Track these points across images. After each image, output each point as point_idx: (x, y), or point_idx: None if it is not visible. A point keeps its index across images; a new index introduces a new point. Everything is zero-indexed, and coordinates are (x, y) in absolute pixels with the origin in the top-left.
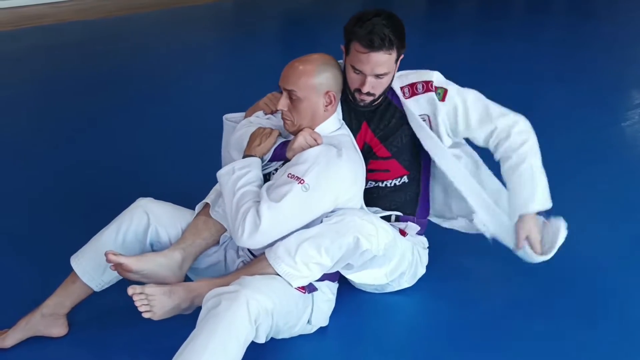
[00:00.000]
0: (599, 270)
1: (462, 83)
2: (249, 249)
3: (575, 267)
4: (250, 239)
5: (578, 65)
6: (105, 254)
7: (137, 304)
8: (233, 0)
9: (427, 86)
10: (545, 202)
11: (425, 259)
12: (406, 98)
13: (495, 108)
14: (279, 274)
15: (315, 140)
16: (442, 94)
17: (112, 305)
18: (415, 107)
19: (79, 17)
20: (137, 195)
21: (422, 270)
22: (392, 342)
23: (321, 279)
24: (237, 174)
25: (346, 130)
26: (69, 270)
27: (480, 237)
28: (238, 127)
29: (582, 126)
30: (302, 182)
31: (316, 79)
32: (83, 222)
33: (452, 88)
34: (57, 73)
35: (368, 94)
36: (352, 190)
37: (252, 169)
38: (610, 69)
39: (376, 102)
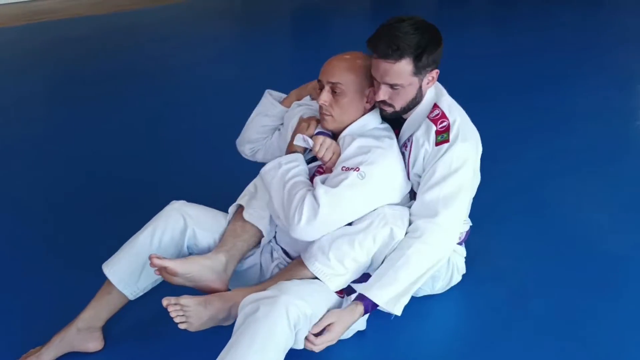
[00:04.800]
0: None
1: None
2: (284, 252)
3: (617, 268)
4: (309, 226)
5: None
6: (150, 258)
7: (172, 314)
8: None
9: (440, 118)
10: (390, 304)
11: (462, 268)
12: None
13: (446, 209)
14: (313, 272)
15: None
16: (442, 141)
17: (147, 315)
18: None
19: (91, 12)
20: (157, 190)
21: (457, 278)
22: (428, 346)
23: (358, 280)
24: (285, 167)
25: (388, 127)
26: (97, 278)
27: (517, 242)
28: (290, 108)
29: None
30: (357, 169)
31: (359, 74)
32: (101, 220)
33: (457, 150)
34: (70, 67)
35: (385, 103)
36: (403, 184)
37: (299, 163)
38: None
39: (400, 114)
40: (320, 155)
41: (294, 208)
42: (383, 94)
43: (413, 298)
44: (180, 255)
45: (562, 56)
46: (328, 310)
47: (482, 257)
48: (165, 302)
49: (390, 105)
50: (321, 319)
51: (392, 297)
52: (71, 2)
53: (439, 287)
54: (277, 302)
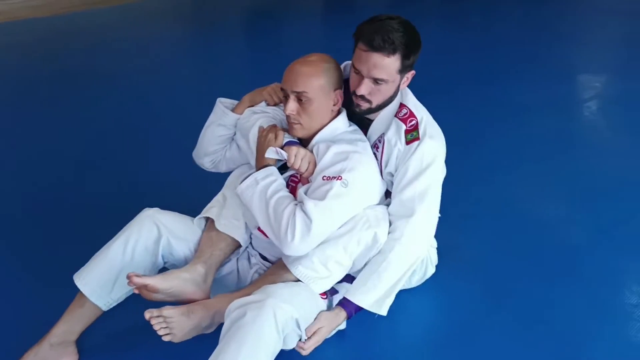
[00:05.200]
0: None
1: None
2: (262, 257)
3: (576, 257)
4: (303, 242)
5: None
6: (128, 277)
7: (155, 327)
8: None
9: (409, 117)
10: (375, 307)
11: (434, 259)
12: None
13: (422, 206)
14: (297, 276)
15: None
16: (412, 139)
17: (121, 326)
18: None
19: (32, 15)
20: (124, 197)
21: (431, 270)
22: (406, 339)
23: (340, 281)
24: (263, 184)
25: (357, 128)
26: (67, 289)
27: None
28: (244, 116)
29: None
30: (339, 178)
31: (324, 78)
32: (54, 224)
33: (427, 146)
34: (13, 73)
35: (363, 98)
36: (381, 185)
37: (275, 177)
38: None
39: (374, 111)
40: (296, 166)
41: (285, 226)
42: (365, 88)
43: None
44: (155, 265)
45: (508, 51)
46: (312, 312)
47: (450, 247)
48: (147, 315)
49: (368, 101)
50: (311, 324)
51: (377, 299)
52: (12, 5)
53: (415, 281)
54: (264, 306)
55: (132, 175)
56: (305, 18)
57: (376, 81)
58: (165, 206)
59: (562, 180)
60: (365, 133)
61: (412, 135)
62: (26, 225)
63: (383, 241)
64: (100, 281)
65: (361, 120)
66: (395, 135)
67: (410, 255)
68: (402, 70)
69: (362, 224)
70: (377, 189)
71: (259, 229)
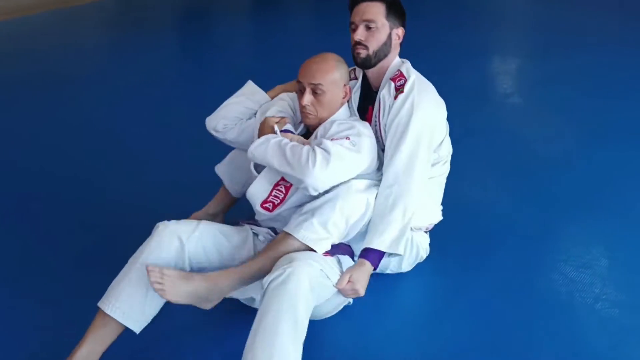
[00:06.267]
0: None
1: None
2: (272, 230)
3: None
4: (322, 171)
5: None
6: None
7: (151, 279)
8: None
9: (399, 77)
10: (392, 247)
11: (425, 244)
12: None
13: (413, 158)
14: (299, 239)
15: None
16: (398, 94)
17: (136, 345)
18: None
19: None
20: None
21: (422, 255)
22: (396, 323)
23: (342, 253)
24: (274, 140)
25: (357, 118)
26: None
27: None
28: (278, 98)
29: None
30: (348, 138)
31: (337, 73)
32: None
33: (412, 98)
34: None
35: (360, 44)
36: (378, 155)
37: (284, 137)
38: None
39: (372, 61)
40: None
41: (306, 157)
42: (360, 33)
43: (383, 276)
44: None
45: (425, 34)
46: (328, 266)
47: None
48: (150, 268)
49: (365, 46)
50: (340, 278)
51: (392, 239)
52: None
53: (407, 264)
54: (295, 270)
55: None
56: (234, 17)
57: (368, 26)
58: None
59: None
60: (374, 102)
61: (399, 91)
62: None
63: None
64: (131, 304)
65: (369, 94)
66: (387, 93)
67: (407, 191)
68: (390, 18)
69: (355, 189)
70: (375, 158)
71: (261, 205)
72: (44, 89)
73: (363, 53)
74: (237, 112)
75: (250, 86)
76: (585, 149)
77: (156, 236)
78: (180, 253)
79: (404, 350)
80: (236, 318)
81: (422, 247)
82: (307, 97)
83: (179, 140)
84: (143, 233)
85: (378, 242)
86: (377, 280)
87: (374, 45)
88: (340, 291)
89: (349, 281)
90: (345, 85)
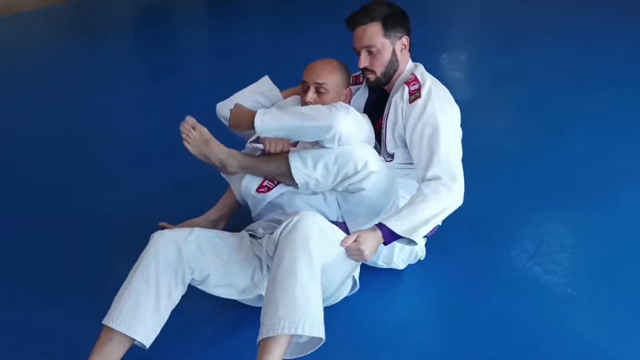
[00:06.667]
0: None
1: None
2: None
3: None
4: (347, 114)
5: None
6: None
7: (183, 132)
8: (66, 2)
9: (413, 81)
10: (407, 233)
11: (421, 244)
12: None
13: (448, 162)
14: (289, 159)
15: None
16: (414, 99)
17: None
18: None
19: None
20: None
21: (419, 253)
22: (391, 320)
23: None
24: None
25: None
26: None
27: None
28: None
29: None
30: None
31: (340, 75)
32: None
33: (432, 103)
34: None
35: (367, 69)
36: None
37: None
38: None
39: (383, 81)
40: (271, 149)
41: (327, 107)
42: (363, 60)
43: (380, 272)
44: (184, 280)
45: None
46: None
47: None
48: (190, 119)
49: (372, 71)
50: (348, 236)
51: (410, 227)
52: None
53: (401, 260)
54: (303, 217)
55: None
56: (191, 19)
57: (369, 51)
58: None
59: None
60: (384, 106)
61: (415, 95)
62: None
63: (373, 170)
64: (134, 314)
65: (381, 96)
66: (399, 97)
67: (446, 190)
68: (389, 34)
69: (359, 149)
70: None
71: (257, 190)
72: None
73: (372, 77)
74: (250, 104)
75: (266, 83)
76: (546, 145)
77: (152, 246)
78: (178, 258)
79: (395, 349)
80: (234, 318)
81: (418, 246)
82: (311, 95)
83: (144, 145)
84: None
85: (394, 224)
86: (374, 277)
87: (380, 68)
88: (346, 251)
89: (355, 240)
90: (345, 88)
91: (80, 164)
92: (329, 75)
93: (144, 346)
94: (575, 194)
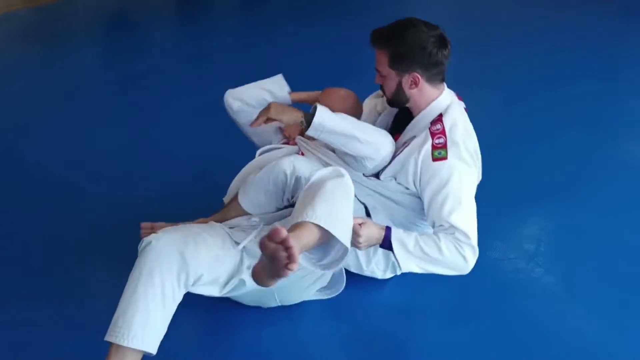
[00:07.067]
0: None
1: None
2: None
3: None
4: (392, 144)
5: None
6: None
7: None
8: (27, 8)
9: (439, 133)
10: (401, 255)
11: None
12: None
13: (468, 231)
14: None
15: None
16: (439, 157)
17: None
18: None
19: None
20: None
21: (399, 272)
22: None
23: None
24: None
25: None
26: None
27: None
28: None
29: None
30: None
31: (351, 104)
32: None
33: (452, 166)
34: None
35: (381, 87)
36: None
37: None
38: None
39: (395, 104)
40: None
41: (377, 130)
42: (376, 78)
43: (363, 280)
44: (186, 286)
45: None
46: None
47: None
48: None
49: (384, 91)
50: (355, 217)
51: (405, 253)
52: None
53: (379, 270)
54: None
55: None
56: (159, 24)
57: (379, 73)
58: None
59: None
60: (404, 128)
61: (440, 153)
62: None
63: (344, 180)
64: (148, 329)
65: (407, 117)
66: (420, 141)
67: (452, 252)
68: (393, 66)
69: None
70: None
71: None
72: None
73: (385, 96)
74: (256, 101)
75: (278, 82)
76: (527, 144)
77: (152, 251)
78: (181, 261)
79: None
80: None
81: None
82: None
83: (111, 154)
84: None
85: (400, 238)
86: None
87: (387, 92)
88: None
89: (361, 223)
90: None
91: (44, 175)
92: (339, 102)
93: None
94: (563, 191)
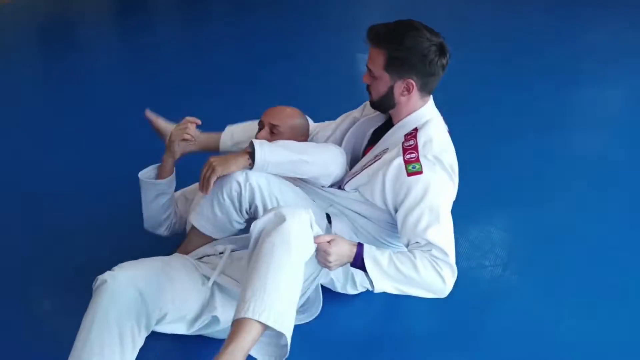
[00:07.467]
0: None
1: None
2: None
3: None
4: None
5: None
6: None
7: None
8: None
9: (411, 149)
10: (374, 275)
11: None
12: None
13: (446, 250)
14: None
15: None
16: (414, 171)
17: None
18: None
19: None
20: None
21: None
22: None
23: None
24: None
25: None
26: None
27: None
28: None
29: None
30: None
31: (297, 122)
32: None
33: (429, 180)
34: None
35: (367, 88)
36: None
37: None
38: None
39: (379, 108)
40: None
41: (324, 146)
42: (365, 77)
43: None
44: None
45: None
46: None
47: None
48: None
49: (370, 92)
50: (322, 235)
51: (379, 272)
52: None
53: (350, 286)
54: (284, 211)
55: None
56: (98, 26)
57: (371, 73)
58: None
59: None
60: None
61: (414, 167)
62: None
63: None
64: None
65: (387, 129)
66: (390, 159)
67: (433, 270)
68: (388, 69)
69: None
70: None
71: None
72: None
73: (370, 97)
74: (164, 210)
75: (146, 183)
76: (493, 144)
77: (106, 291)
78: (140, 301)
79: None
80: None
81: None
82: (263, 134)
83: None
84: None
85: (368, 256)
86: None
87: (374, 94)
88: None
89: (329, 241)
90: (302, 137)
91: None
92: (286, 119)
93: None
94: (528, 191)
